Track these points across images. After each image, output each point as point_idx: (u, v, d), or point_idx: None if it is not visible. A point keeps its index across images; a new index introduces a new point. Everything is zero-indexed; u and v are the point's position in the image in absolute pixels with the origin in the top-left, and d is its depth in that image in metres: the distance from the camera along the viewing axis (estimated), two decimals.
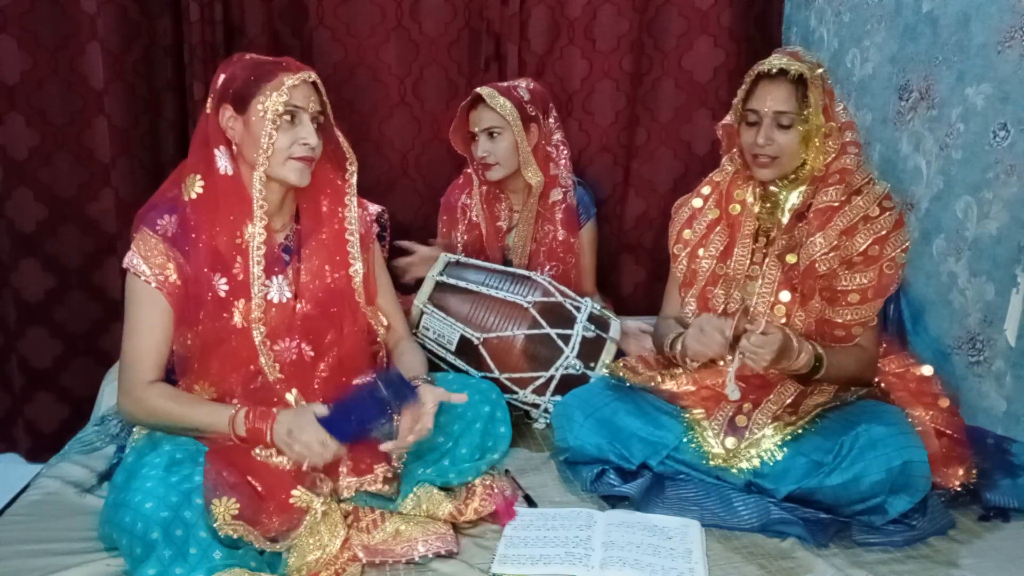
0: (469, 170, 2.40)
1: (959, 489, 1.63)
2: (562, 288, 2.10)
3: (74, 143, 2.43)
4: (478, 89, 2.24)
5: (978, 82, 1.88)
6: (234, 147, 1.51)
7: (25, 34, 2.34)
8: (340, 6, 2.60)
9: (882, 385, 1.77)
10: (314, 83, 1.52)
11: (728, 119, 1.80)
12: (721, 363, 1.71)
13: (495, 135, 2.24)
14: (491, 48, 2.66)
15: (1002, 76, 1.82)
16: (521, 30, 2.65)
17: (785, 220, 1.73)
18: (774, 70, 1.67)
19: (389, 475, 1.52)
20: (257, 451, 1.45)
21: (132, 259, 1.49)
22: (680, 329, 1.76)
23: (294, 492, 1.38)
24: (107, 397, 2.08)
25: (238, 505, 1.31)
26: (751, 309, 1.72)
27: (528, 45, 2.67)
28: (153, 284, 1.47)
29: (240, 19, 2.54)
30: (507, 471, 1.72)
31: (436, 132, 2.73)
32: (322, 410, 1.43)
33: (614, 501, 1.65)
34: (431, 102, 2.71)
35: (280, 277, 1.55)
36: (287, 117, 1.47)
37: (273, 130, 1.46)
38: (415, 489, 1.53)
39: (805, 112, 1.65)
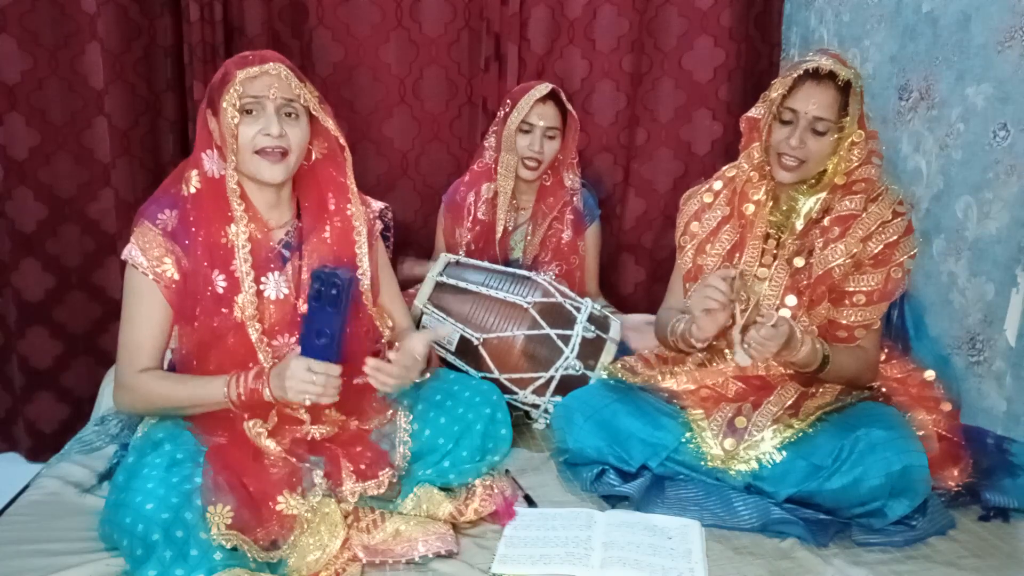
0: (477, 167, 2.39)
1: (958, 489, 1.63)
2: (562, 288, 2.10)
3: (74, 143, 2.43)
4: (554, 87, 2.28)
5: (978, 82, 1.88)
6: (217, 147, 1.51)
7: (25, 34, 2.34)
8: (340, 6, 2.60)
9: (883, 390, 1.76)
10: (279, 73, 1.48)
11: (755, 112, 1.74)
12: (724, 350, 1.70)
13: (552, 137, 2.28)
14: (491, 48, 2.66)
15: (1002, 76, 1.82)
16: (521, 30, 2.64)
17: (800, 225, 1.71)
18: (823, 71, 1.60)
19: (393, 480, 1.52)
20: (249, 426, 1.44)
21: (130, 251, 1.50)
22: (684, 315, 1.74)
23: (279, 498, 1.37)
24: (107, 397, 2.07)
25: (232, 513, 1.31)
26: (760, 303, 1.71)
27: (528, 45, 2.67)
28: (150, 276, 1.48)
29: (240, 19, 2.53)
30: (507, 471, 1.72)
31: (436, 132, 2.74)
32: (298, 348, 1.45)
33: (614, 501, 1.65)
34: (431, 102, 2.71)
35: (276, 274, 1.54)
36: (247, 108, 1.46)
37: (234, 126, 1.45)
38: (415, 489, 1.53)
39: (843, 121, 1.62)
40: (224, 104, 1.45)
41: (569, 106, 2.30)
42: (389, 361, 1.49)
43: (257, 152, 1.48)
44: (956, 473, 1.64)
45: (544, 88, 2.26)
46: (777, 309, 1.70)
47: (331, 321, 1.42)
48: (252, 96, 1.46)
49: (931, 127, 2.04)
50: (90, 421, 1.95)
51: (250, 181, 1.53)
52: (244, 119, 1.46)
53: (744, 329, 1.58)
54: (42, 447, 2.53)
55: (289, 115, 1.50)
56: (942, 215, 2.00)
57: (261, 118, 1.47)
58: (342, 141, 1.58)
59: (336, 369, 1.43)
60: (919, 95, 2.09)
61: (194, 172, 1.50)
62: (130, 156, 2.47)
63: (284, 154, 1.49)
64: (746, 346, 1.57)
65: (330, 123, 1.55)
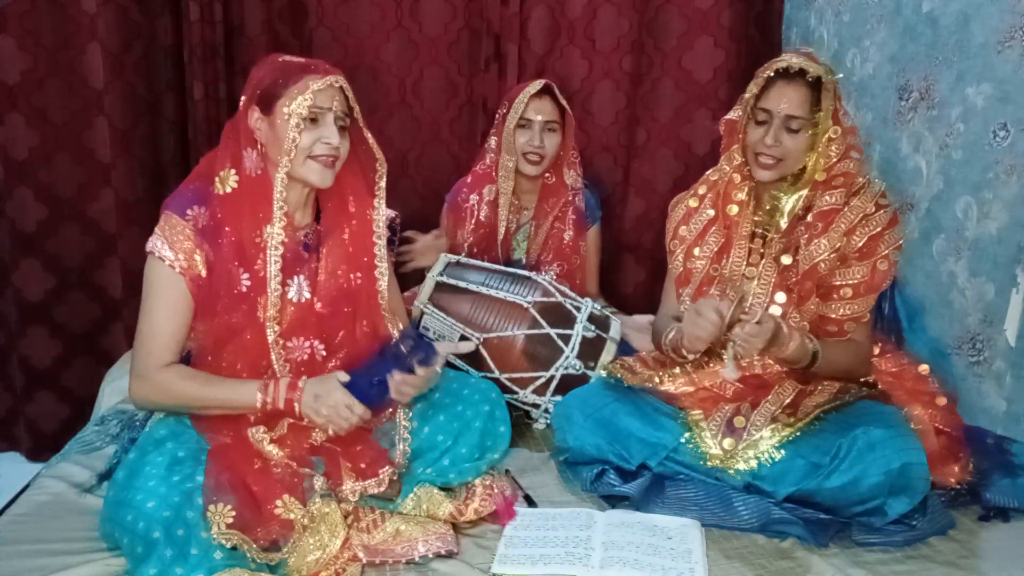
0: (478, 169, 2.39)
1: (958, 488, 1.63)
2: (562, 288, 2.10)
3: (74, 143, 2.43)
4: (547, 81, 2.30)
5: (978, 82, 1.88)
6: (260, 146, 1.52)
7: (25, 34, 2.34)
8: (340, 6, 2.60)
9: (881, 388, 1.77)
10: (341, 87, 1.52)
11: (733, 114, 1.77)
12: (720, 353, 1.71)
13: (552, 130, 2.28)
14: (491, 48, 2.66)
15: (1002, 76, 1.82)
16: (521, 30, 2.65)
17: (784, 223, 1.72)
18: (793, 69, 1.63)
19: (394, 477, 1.52)
20: (252, 432, 1.45)
21: (156, 242, 1.50)
22: (677, 324, 1.75)
23: (277, 502, 1.37)
24: (107, 397, 2.08)
25: (233, 513, 1.31)
26: (747, 299, 1.72)
27: (528, 45, 2.67)
28: (177, 269, 1.48)
29: (240, 19, 2.54)
30: (507, 471, 1.72)
31: (436, 132, 2.74)
32: (344, 376, 1.48)
33: (614, 501, 1.65)
34: (431, 102, 2.71)
35: (301, 277, 1.56)
36: (311, 117, 1.48)
37: (296, 133, 1.47)
38: (415, 489, 1.53)
39: (816, 116, 1.64)
40: (286, 109, 1.47)
41: (564, 101, 2.31)
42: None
43: (311, 157, 1.50)
44: (956, 470, 1.64)
45: (538, 84, 2.28)
46: (767, 307, 1.71)
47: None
48: (318, 107, 1.48)
49: (931, 127, 2.04)
50: (90, 421, 1.95)
51: (288, 181, 1.53)
52: (306, 126, 1.48)
53: (730, 327, 1.59)
54: (42, 447, 2.54)
55: (342, 128, 1.53)
56: (942, 215, 2.00)
57: (322, 127, 1.50)
58: (378, 154, 1.61)
59: (368, 415, 1.48)
60: (919, 95, 2.09)
61: (231, 171, 1.50)
62: (130, 156, 2.47)
63: (335, 161, 1.53)
64: (731, 344, 1.58)
65: (369, 135, 1.59)
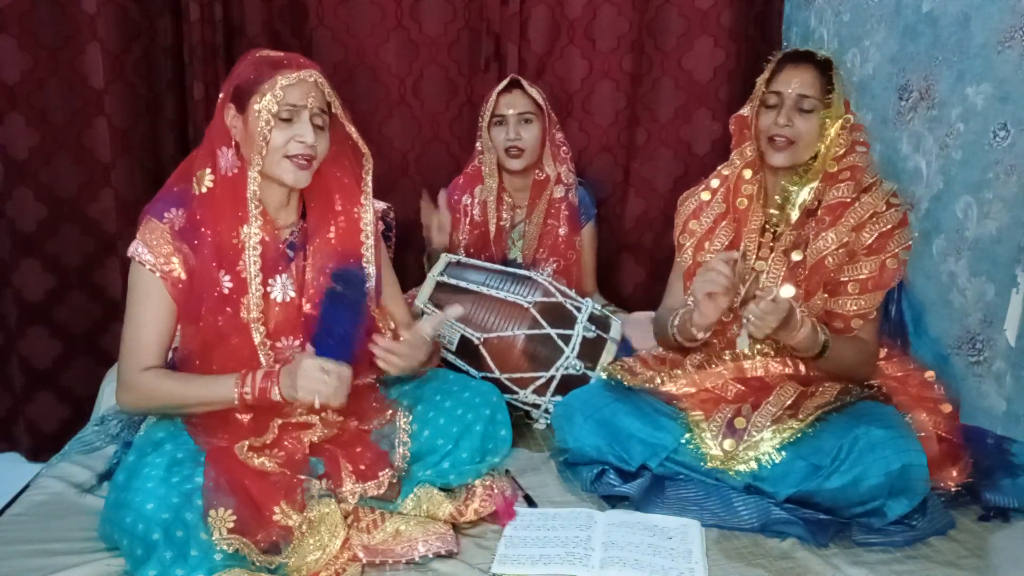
0: (470, 170, 2.41)
1: (958, 489, 1.63)
2: (563, 288, 2.10)
3: (74, 143, 2.43)
4: (514, 76, 2.34)
5: (978, 82, 1.89)
6: (235, 144, 1.51)
7: (25, 34, 2.34)
8: (340, 6, 2.60)
9: (883, 389, 1.77)
10: (315, 81, 1.50)
11: (744, 110, 1.80)
12: (723, 353, 1.69)
13: (528, 121, 2.29)
14: (491, 48, 2.66)
15: (1002, 76, 1.82)
16: (521, 30, 2.65)
17: (795, 216, 1.73)
18: (800, 52, 1.70)
19: (393, 480, 1.51)
20: (237, 449, 1.42)
21: (137, 248, 1.49)
22: (684, 307, 1.75)
23: (276, 509, 1.36)
24: (107, 397, 2.08)
25: (234, 517, 1.31)
26: (762, 277, 1.72)
27: (528, 45, 2.67)
28: (157, 274, 1.48)
29: (240, 19, 2.54)
30: (507, 471, 1.72)
31: (436, 132, 2.74)
32: (311, 348, 1.47)
33: (614, 501, 1.65)
34: (431, 102, 2.71)
35: (284, 276, 1.55)
36: (284, 116, 1.47)
37: (267, 131, 1.45)
38: (415, 489, 1.52)
39: (828, 97, 1.67)
40: (258, 107, 1.45)
41: (533, 92, 2.32)
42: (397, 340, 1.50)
43: (286, 156, 1.49)
44: (955, 474, 1.64)
45: (505, 81, 2.33)
46: (779, 288, 1.71)
47: (346, 320, 1.44)
48: (291, 104, 1.46)
49: (931, 127, 2.04)
50: (90, 421, 1.95)
51: (264, 180, 1.52)
52: (278, 124, 1.47)
53: (743, 303, 1.59)
54: (42, 447, 2.53)
55: (320, 126, 1.51)
56: (942, 215, 2.00)
57: (296, 125, 1.48)
58: (363, 148, 1.59)
59: (347, 370, 1.45)
60: (919, 95, 2.09)
61: (207, 170, 1.49)
62: (130, 156, 2.47)
63: (311, 160, 1.51)
64: (745, 320, 1.57)
65: (352, 129, 1.56)
